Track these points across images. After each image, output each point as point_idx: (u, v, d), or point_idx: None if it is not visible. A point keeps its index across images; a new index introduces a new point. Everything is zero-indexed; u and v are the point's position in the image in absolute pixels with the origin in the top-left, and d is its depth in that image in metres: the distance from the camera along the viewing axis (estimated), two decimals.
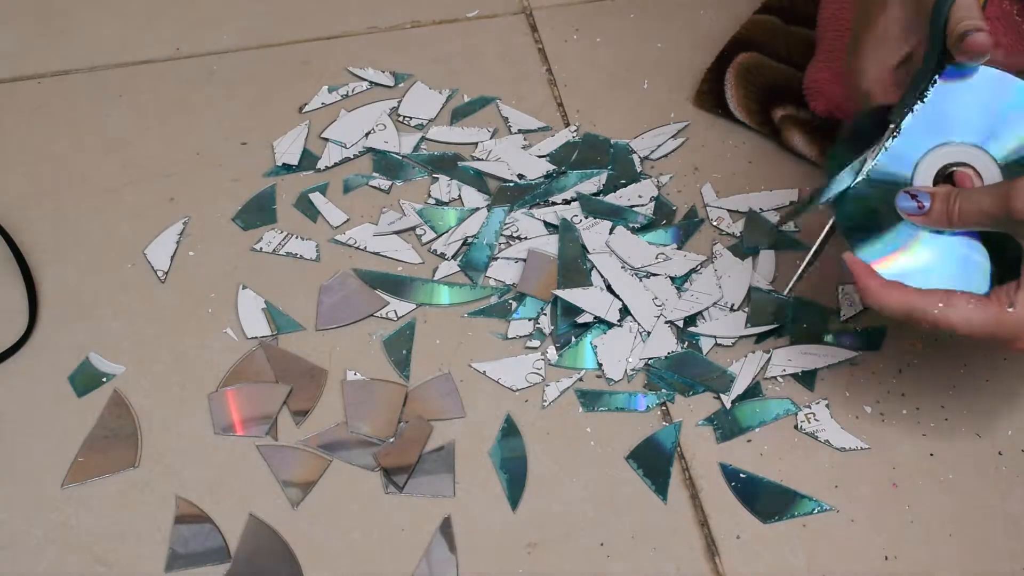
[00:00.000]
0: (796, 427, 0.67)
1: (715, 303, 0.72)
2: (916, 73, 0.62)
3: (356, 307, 0.73)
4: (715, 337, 0.71)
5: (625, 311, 0.71)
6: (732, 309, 0.72)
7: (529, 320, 0.72)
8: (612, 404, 0.68)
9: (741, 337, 0.71)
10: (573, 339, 0.71)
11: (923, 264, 0.59)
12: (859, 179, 0.61)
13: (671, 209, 0.79)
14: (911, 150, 0.61)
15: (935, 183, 0.60)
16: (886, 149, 0.61)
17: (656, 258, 0.74)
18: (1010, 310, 0.55)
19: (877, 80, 0.65)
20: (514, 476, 0.65)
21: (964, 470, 0.65)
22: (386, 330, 0.72)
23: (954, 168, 0.60)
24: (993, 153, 0.60)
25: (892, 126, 0.61)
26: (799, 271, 0.64)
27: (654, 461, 0.66)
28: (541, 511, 0.64)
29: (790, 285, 0.64)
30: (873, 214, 0.60)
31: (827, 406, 0.68)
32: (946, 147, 0.61)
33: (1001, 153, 0.60)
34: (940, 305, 0.57)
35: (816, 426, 0.67)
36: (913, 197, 0.59)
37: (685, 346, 0.70)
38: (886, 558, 0.62)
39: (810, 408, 0.68)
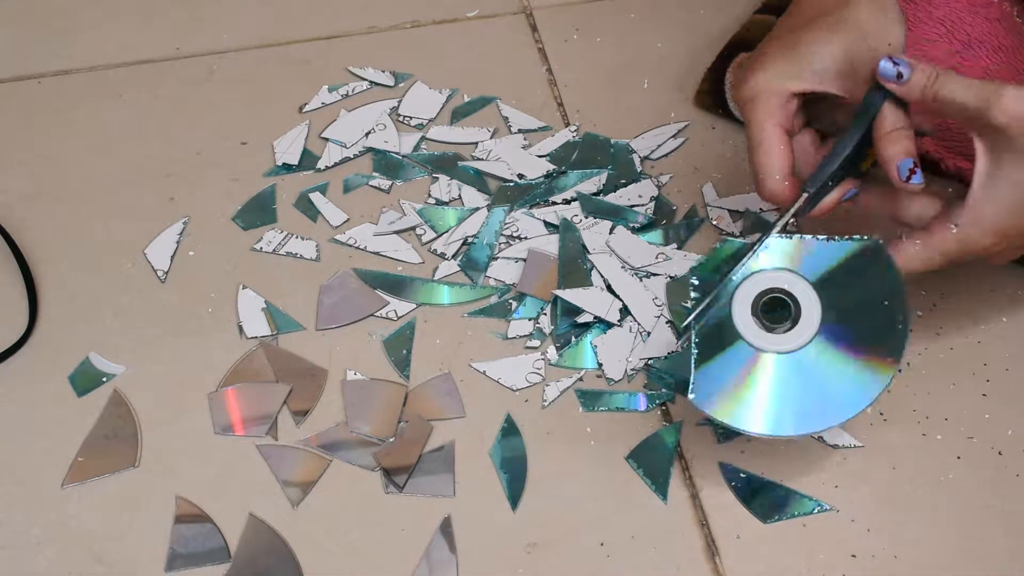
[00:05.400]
0: None
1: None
2: (835, 145, 0.61)
3: (356, 307, 0.73)
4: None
5: (625, 311, 0.71)
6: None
7: (529, 320, 0.72)
8: (612, 404, 0.68)
9: None
10: (573, 339, 0.71)
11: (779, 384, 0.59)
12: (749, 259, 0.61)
13: (671, 209, 0.79)
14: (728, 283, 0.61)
15: (754, 311, 0.60)
16: (791, 224, 0.61)
17: (656, 258, 0.74)
18: (954, 230, 0.53)
19: (768, 93, 0.60)
20: (514, 476, 0.65)
21: (964, 470, 0.65)
22: (386, 330, 0.72)
23: (771, 294, 0.60)
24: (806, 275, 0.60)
25: (805, 196, 0.61)
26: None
27: (654, 461, 0.66)
28: (541, 511, 0.64)
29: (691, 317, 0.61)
30: (718, 332, 0.60)
31: None
32: (761, 274, 0.61)
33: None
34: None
35: None
36: (894, 64, 0.55)
37: (685, 346, 0.70)
38: (886, 558, 0.62)
39: None
